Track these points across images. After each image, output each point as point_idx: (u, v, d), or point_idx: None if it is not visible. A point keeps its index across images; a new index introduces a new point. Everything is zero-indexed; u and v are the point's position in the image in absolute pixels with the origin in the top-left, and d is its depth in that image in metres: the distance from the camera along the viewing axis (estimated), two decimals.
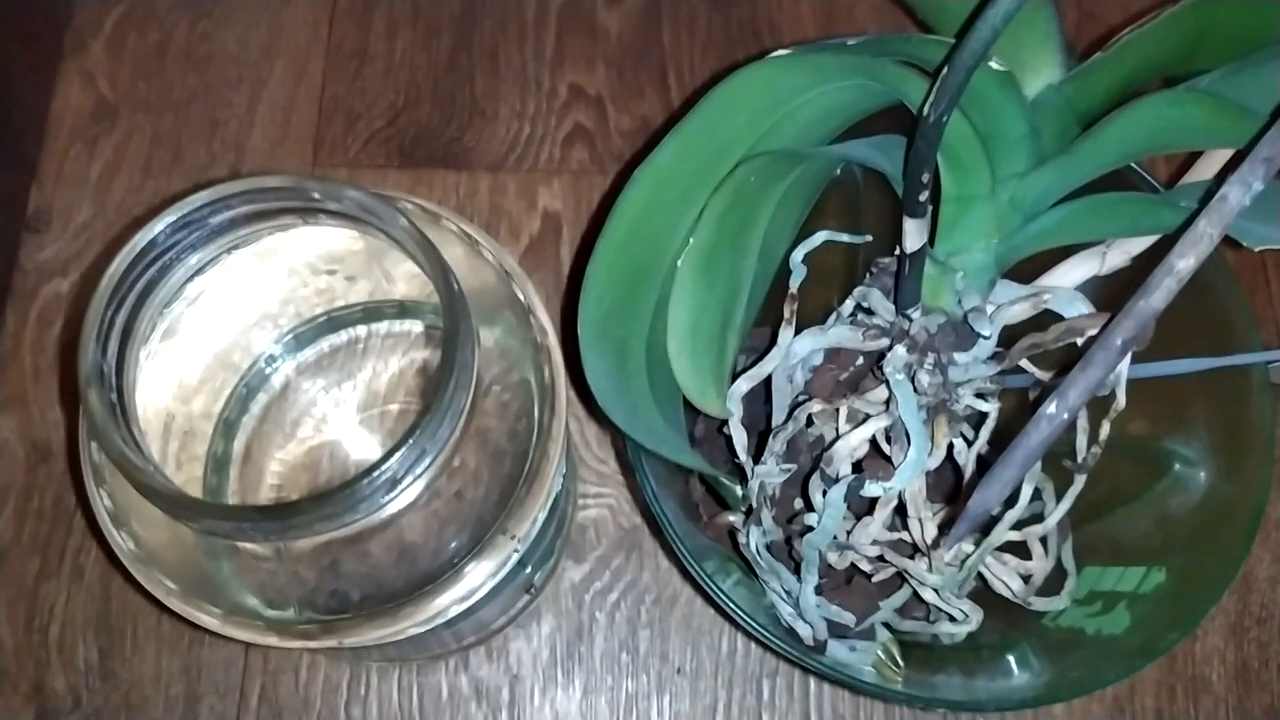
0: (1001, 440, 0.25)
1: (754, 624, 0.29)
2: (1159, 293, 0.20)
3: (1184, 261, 0.20)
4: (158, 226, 0.23)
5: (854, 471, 0.29)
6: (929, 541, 0.29)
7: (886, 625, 0.33)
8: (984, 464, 0.29)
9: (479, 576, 0.26)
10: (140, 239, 0.23)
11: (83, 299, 0.43)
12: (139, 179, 0.45)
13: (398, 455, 0.22)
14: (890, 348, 0.29)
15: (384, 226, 0.24)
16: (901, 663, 0.32)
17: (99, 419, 0.22)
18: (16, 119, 0.44)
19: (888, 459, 0.29)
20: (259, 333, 0.31)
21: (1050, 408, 0.20)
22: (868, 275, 0.32)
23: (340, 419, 0.33)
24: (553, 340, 0.28)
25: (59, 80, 0.46)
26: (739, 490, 0.33)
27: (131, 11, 0.47)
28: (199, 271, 0.26)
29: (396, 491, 0.23)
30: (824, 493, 0.29)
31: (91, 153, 0.45)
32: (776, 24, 0.48)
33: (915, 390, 0.28)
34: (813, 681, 0.39)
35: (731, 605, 0.29)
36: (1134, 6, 0.49)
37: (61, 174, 0.45)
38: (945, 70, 0.24)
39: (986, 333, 0.29)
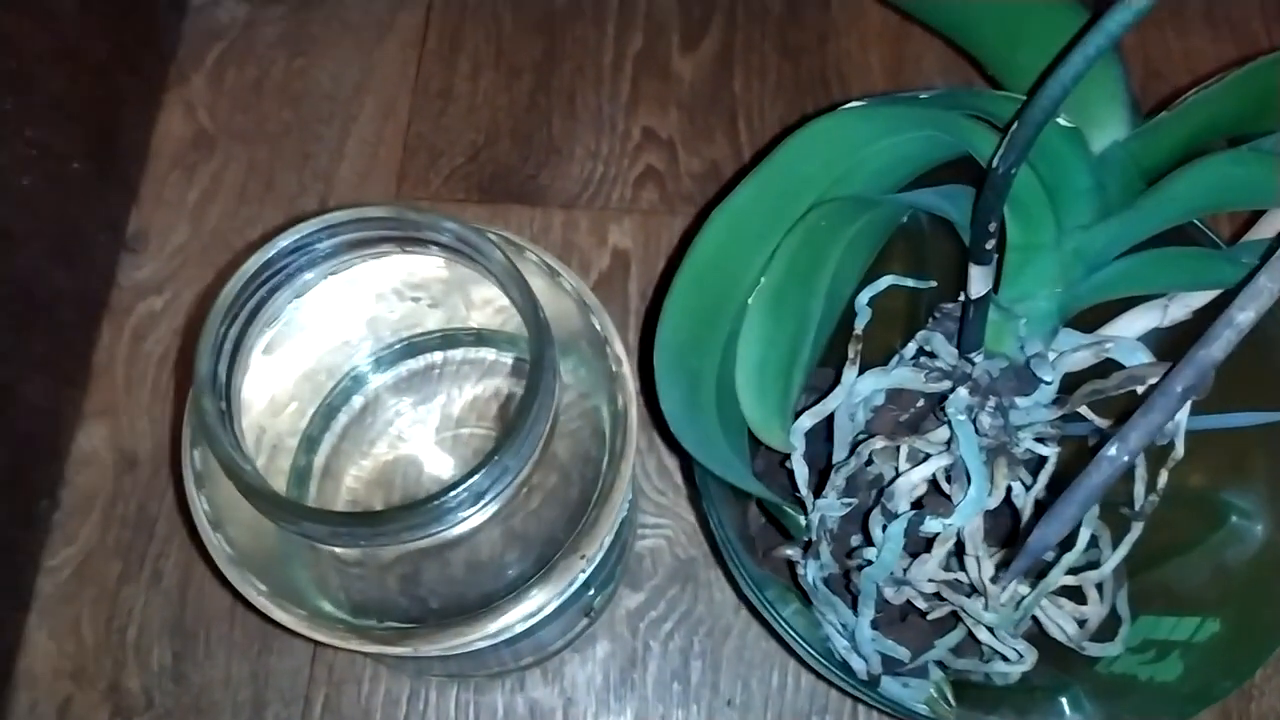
0: (1058, 487, 0.26)
1: (811, 651, 0.30)
2: (1219, 343, 0.21)
3: (1244, 314, 0.21)
4: (273, 249, 0.24)
5: (913, 509, 0.30)
6: (986, 579, 0.30)
7: (940, 664, 0.33)
8: (1041, 509, 0.30)
9: (547, 594, 0.27)
10: (256, 259, 0.24)
11: (174, 317, 0.45)
12: (233, 205, 0.47)
13: (482, 471, 0.23)
14: (952, 390, 0.30)
15: (480, 259, 0.25)
16: (954, 702, 0.33)
17: (210, 423, 0.23)
18: (121, 145, 0.46)
19: (947, 497, 0.30)
20: (345, 354, 0.33)
21: (1111, 450, 0.21)
22: (930, 320, 0.32)
23: (415, 439, 0.34)
24: (627, 369, 0.29)
25: (162, 110, 0.48)
26: (803, 519, 0.33)
27: (232, 47, 0.50)
28: (299, 294, 0.27)
29: (479, 506, 0.24)
30: (884, 527, 0.30)
31: (190, 179, 0.47)
32: (845, 74, 0.49)
33: (976, 431, 0.29)
34: (861, 717, 0.39)
35: (788, 631, 0.30)
36: (1200, 68, 0.49)
37: (161, 198, 0.47)
38: (1015, 125, 0.25)
39: (1048, 378, 0.29)
